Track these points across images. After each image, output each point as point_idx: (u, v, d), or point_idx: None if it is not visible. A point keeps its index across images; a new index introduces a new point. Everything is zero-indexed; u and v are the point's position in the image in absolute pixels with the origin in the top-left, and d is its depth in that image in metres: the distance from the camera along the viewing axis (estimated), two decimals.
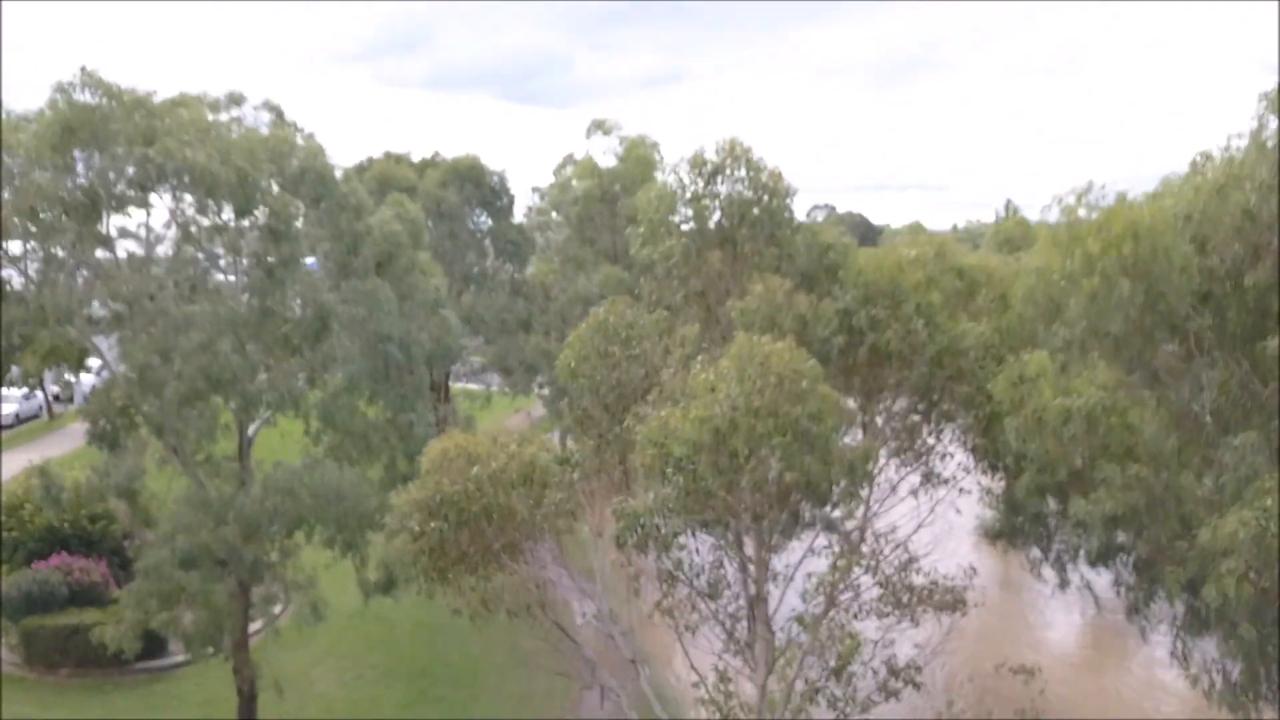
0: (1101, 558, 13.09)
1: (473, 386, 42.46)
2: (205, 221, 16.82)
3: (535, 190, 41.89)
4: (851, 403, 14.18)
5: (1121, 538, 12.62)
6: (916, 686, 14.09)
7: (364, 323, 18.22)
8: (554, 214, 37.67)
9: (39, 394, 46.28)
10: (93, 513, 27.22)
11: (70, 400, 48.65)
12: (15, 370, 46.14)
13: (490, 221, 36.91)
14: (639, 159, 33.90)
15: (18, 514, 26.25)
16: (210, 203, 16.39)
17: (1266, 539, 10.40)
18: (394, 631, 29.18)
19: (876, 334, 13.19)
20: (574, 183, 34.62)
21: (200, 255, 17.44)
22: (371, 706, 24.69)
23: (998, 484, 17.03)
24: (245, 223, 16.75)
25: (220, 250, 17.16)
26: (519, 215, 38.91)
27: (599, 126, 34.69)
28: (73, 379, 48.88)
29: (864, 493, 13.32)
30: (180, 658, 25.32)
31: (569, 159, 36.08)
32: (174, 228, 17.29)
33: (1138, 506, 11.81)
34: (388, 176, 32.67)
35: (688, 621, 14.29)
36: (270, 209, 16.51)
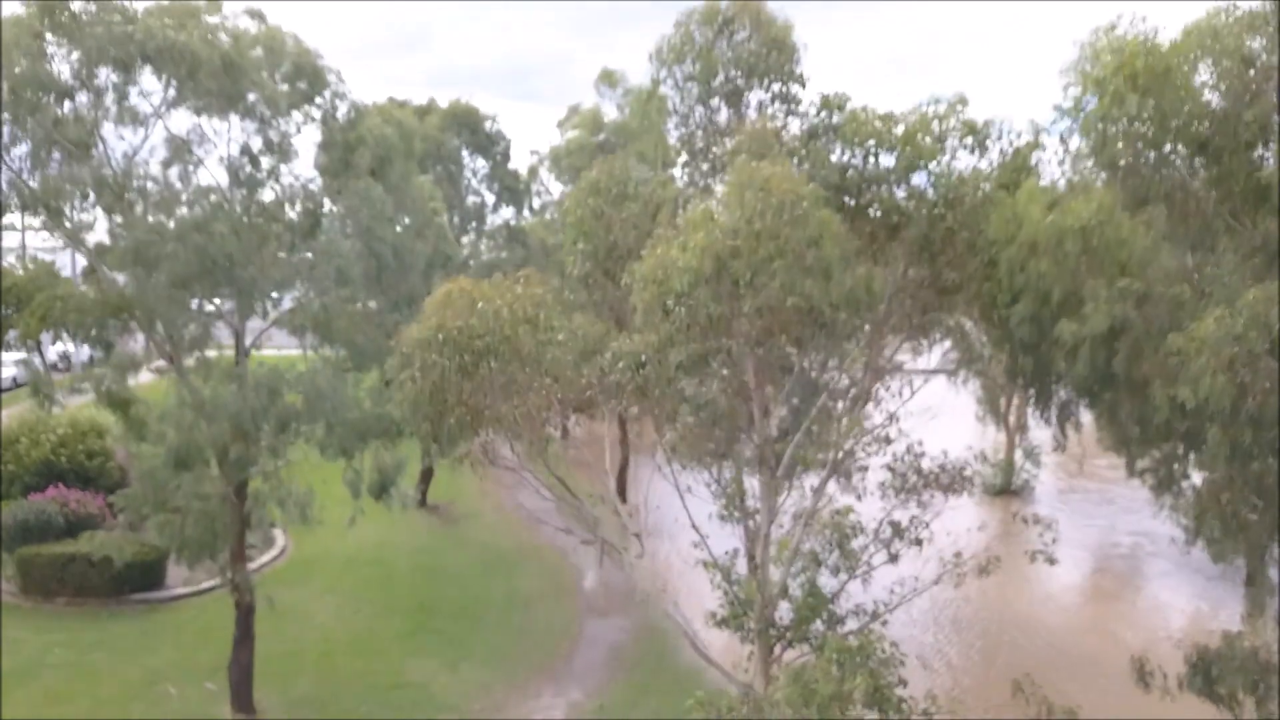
0: (1090, 388, 12.75)
1: None
2: (190, 113, 16.67)
3: (534, 153, 41.81)
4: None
5: (1113, 366, 12.31)
6: (919, 544, 13.92)
7: (356, 215, 18.09)
8: (550, 169, 37.41)
9: (38, 359, 46.09)
10: (90, 449, 27.17)
11: (69, 369, 48.54)
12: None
13: (487, 166, 36.78)
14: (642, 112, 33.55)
15: (14, 448, 26.16)
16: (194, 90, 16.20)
17: (1249, 335, 10.19)
18: (392, 574, 29.07)
19: (874, 193, 12.85)
20: (570, 134, 34.32)
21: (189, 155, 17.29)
22: (370, 636, 24.53)
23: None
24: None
25: (205, 140, 17.00)
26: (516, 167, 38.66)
27: (606, 79, 34.40)
28: (70, 346, 48.93)
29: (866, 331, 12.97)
30: (178, 590, 25.24)
31: (574, 110, 35.85)
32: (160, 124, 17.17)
33: (1128, 319, 11.62)
34: (387, 116, 32.56)
35: (697, 452, 13.99)
36: (258, 96, 16.39)
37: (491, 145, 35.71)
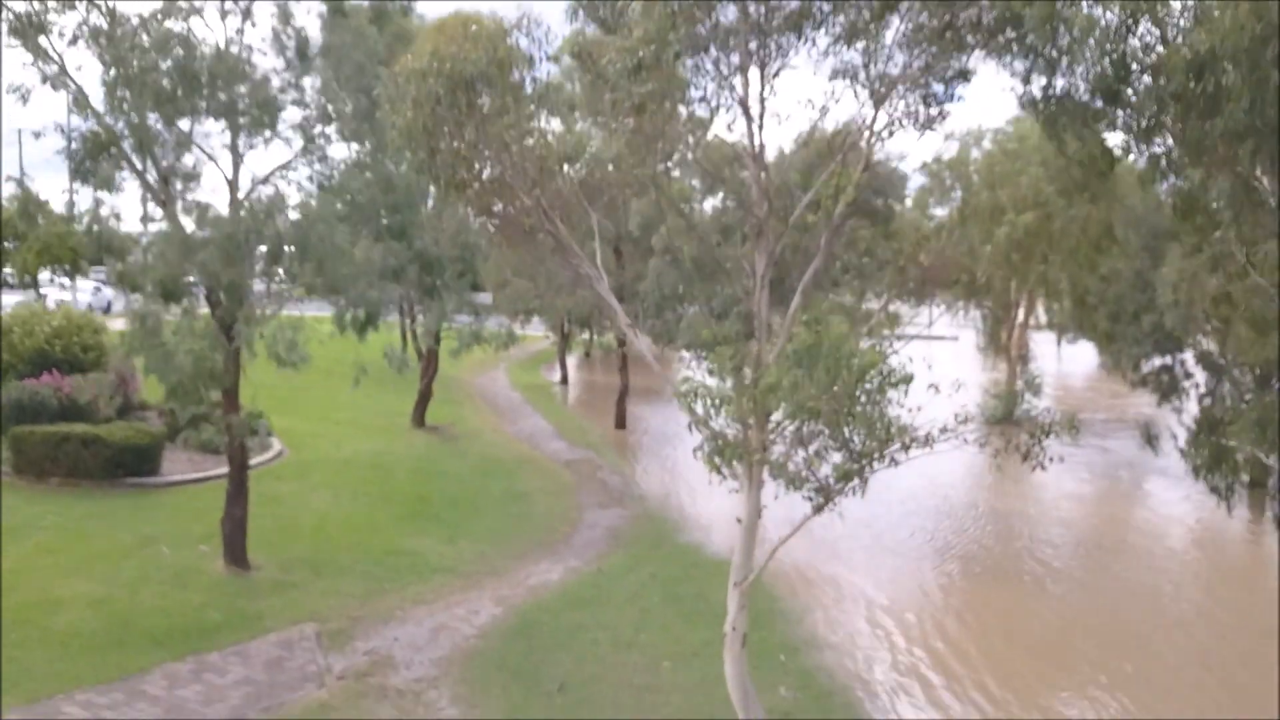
0: (1107, 88, 12.07)
1: None
2: None
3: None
4: None
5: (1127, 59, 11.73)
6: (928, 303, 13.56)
7: (349, 55, 17.92)
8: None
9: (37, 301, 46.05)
10: (84, 343, 27.03)
11: None
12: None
13: None
14: None
15: (7, 338, 26.00)
16: None
17: None
18: (390, 474, 28.90)
19: None
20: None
21: None
22: (366, 518, 24.32)
23: None
24: None
25: None
26: None
27: None
28: (68, 285, 48.86)
29: None
30: (174, 477, 25.03)
31: None
32: None
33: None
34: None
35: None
36: None
37: None
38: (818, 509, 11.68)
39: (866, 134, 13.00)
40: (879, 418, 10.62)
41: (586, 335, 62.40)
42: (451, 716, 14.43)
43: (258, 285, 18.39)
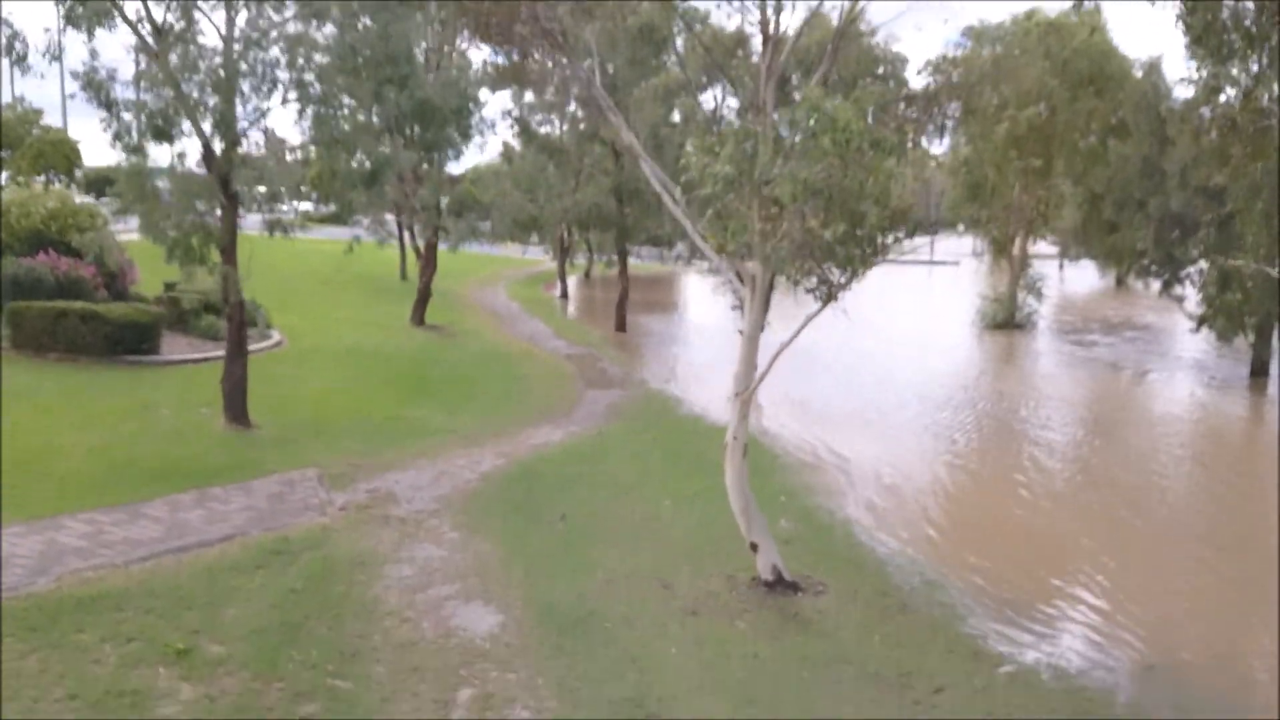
0: None
1: None
2: None
3: None
4: None
5: None
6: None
7: None
8: None
9: None
10: (80, 226, 26.83)
11: None
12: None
13: None
14: None
15: (5, 217, 25.81)
16: None
17: None
18: (391, 361, 28.93)
19: None
20: None
21: None
22: (367, 394, 24.32)
23: None
24: None
25: None
26: None
27: None
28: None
29: None
30: (174, 356, 24.99)
31: None
32: None
33: None
34: None
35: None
36: None
37: None
38: (825, 302, 11.61)
39: None
40: (876, 183, 10.44)
41: (586, 254, 62.26)
42: (453, 539, 14.47)
43: (255, 134, 18.15)
